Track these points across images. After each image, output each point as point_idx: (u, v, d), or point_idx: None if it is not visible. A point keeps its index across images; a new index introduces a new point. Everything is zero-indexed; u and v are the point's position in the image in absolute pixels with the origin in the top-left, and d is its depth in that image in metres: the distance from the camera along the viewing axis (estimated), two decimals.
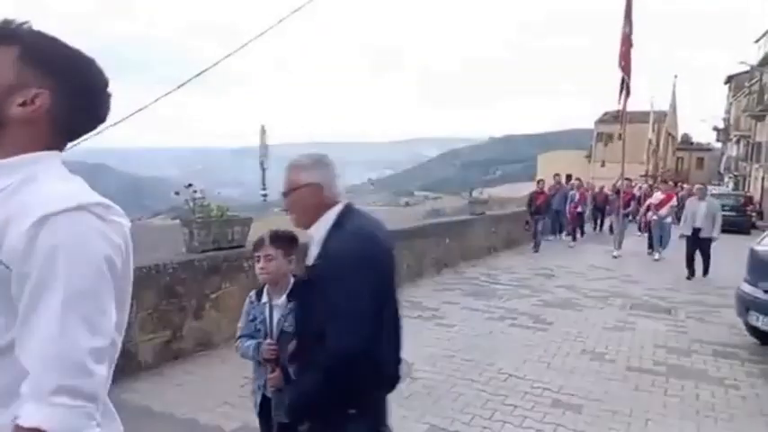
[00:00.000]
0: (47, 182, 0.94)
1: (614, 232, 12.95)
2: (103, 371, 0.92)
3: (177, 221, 5.21)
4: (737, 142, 39.68)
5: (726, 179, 40.85)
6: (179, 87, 8.48)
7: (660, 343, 5.72)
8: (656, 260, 11.48)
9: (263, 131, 8.79)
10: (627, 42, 10.91)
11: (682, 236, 9.62)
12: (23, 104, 0.96)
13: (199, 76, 8.27)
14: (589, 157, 53.20)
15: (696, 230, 9.32)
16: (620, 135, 13.80)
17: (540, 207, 12.73)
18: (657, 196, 12.34)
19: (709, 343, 5.73)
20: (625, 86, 11.29)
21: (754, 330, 5.59)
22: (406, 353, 5.19)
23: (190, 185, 4.83)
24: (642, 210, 13.50)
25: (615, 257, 11.80)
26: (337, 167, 1.85)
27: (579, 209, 14.99)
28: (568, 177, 17.68)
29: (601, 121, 54.27)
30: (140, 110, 8.40)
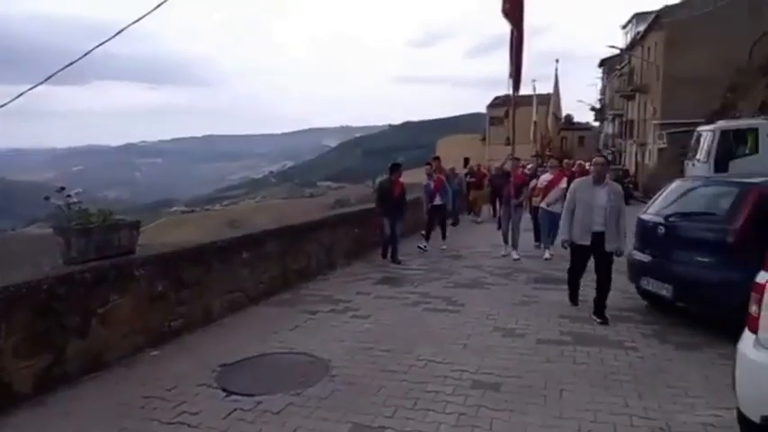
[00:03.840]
0: None
1: (502, 227, 10.15)
2: None
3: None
4: (613, 120, 43.33)
5: (604, 155, 44.52)
6: (46, 81, 7.56)
7: (563, 313, 5.99)
8: (547, 259, 9.24)
9: None
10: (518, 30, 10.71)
11: (566, 244, 5.95)
12: None
13: (68, 67, 7.43)
14: (484, 139, 55.68)
15: (596, 236, 5.60)
16: (506, 113, 13.21)
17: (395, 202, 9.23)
18: (545, 177, 10.09)
19: (606, 309, 6.08)
20: (514, 71, 10.35)
21: (645, 294, 6.02)
22: (321, 350, 5.00)
23: (62, 189, 4.25)
24: (526, 193, 10.21)
25: (504, 256, 9.55)
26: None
27: (437, 200, 10.77)
28: (466, 160, 18.20)
29: (492, 106, 56.98)
30: (3, 105, 7.38)
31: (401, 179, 9.60)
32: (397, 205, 9.23)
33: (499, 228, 10.38)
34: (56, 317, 3.98)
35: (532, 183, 10.49)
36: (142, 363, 4.54)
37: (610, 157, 37.85)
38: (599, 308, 5.69)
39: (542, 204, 9.85)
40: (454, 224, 14.13)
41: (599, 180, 5.76)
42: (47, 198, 4.22)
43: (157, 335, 4.89)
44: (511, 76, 10.02)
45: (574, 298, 6.30)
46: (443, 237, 11.09)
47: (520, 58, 9.89)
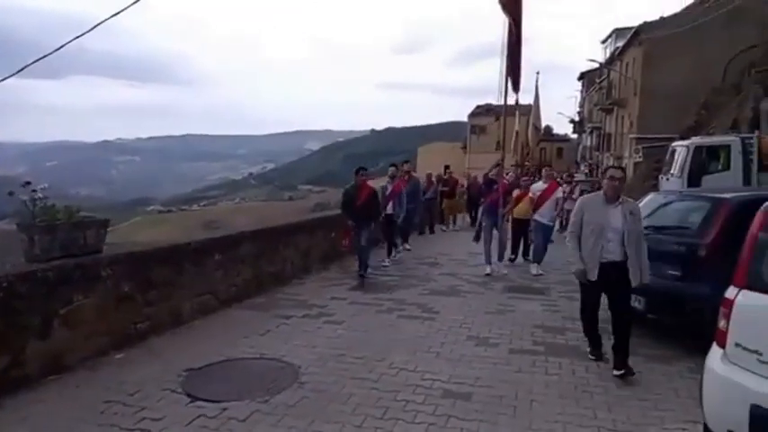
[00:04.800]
0: None
1: (484, 239, 8.91)
2: None
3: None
4: (591, 133, 44.00)
5: (582, 167, 45.14)
6: (17, 72, 7.34)
7: (537, 323, 6.00)
8: (537, 275, 8.63)
9: None
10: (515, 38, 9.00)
11: (581, 276, 4.60)
12: None
13: (42, 59, 7.22)
14: (464, 148, 56.06)
15: (608, 268, 4.45)
16: (499, 118, 10.37)
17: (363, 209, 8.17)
18: (538, 187, 9.41)
19: (579, 320, 6.04)
20: (512, 69, 9.17)
21: None
22: (292, 356, 4.91)
23: (28, 183, 4.10)
24: (511, 202, 9.37)
25: (488, 275, 8.58)
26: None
27: (390, 208, 9.57)
28: (446, 168, 17.83)
29: (474, 114, 57.46)
30: None
31: (370, 184, 8.60)
32: (362, 213, 8.16)
33: (476, 239, 9.18)
34: (15, 316, 3.84)
35: (515, 192, 9.75)
36: (106, 366, 4.40)
37: (587, 170, 38.51)
38: (620, 357, 4.41)
39: (535, 216, 9.09)
40: (421, 233, 13.84)
41: (613, 197, 4.52)
42: (10, 193, 4.07)
43: (123, 337, 4.75)
44: (508, 74, 9.03)
45: (596, 348, 4.86)
46: (389, 252, 9.75)
47: (518, 55, 8.99)
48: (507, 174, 14.53)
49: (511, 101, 9.72)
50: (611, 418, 3.67)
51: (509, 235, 9.62)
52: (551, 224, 9.32)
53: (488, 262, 8.80)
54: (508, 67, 9.00)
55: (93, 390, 3.94)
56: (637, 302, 5.45)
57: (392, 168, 10.15)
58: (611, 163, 35.12)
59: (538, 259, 9.05)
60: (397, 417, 3.63)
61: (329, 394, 3.97)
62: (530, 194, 9.46)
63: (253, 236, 7.10)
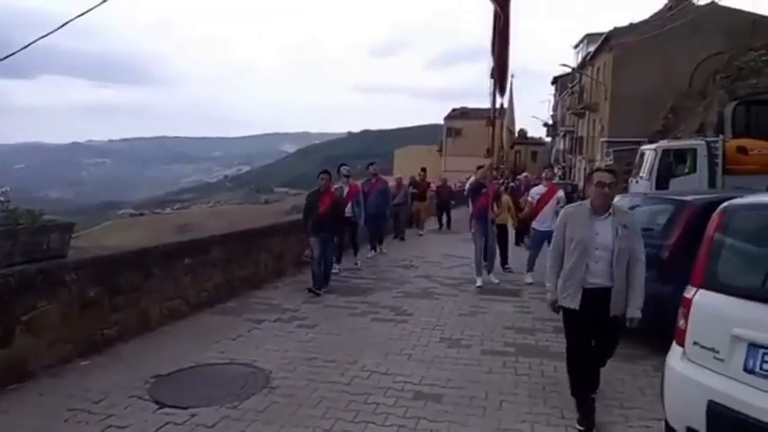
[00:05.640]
0: None
1: (475, 247, 8.31)
2: None
3: None
4: (564, 137, 44.72)
5: (555, 170, 45.89)
6: None
7: (508, 324, 6.07)
8: (530, 283, 8.16)
9: None
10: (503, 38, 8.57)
11: (554, 306, 3.87)
12: None
13: (7, 59, 7.03)
14: (440, 150, 56.43)
15: (592, 295, 3.62)
16: (489, 122, 9.65)
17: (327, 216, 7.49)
18: (537, 191, 8.75)
19: (549, 320, 6.17)
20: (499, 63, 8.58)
21: None
22: (263, 360, 4.87)
23: None
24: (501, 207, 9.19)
25: (480, 288, 7.98)
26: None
27: (348, 210, 9.01)
28: (423, 170, 17.53)
29: (449, 117, 57.92)
30: None
31: (333, 189, 7.97)
32: (325, 221, 7.36)
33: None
34: None
35: (504, 197, 9.54)
36: (71, 373, 4.30)
37: (560, 173, 39.10)
38: (583, 405, 3.64)
39: (534, 224, 8.54)
40: (398, 237, 13.38)
41: (602, 208, 3.62)
42: None
43: (89, 343, 4.65)
44: (492, 75, 8.53)
45: (587, 416, 3.58)
46: (355, 253, 9.53)
47: (507, 48, 8.47)
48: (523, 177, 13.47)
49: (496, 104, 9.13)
50: (577, 416, 3.73)
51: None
52: (551, 230, 8.48)
53: (479, 273, 8.22)
54: (494, 67, 8.51)
55: (57, 398, 3.85)
56: None
57: (345, 168, 9.70)
58: (583, 166, 35.79)
59: (529, 266, 8.49)
60: (367, 420, 3.64)
61: (299, 398, 3.95)
62: (529, 199, 8.90)
63: (223, 239, 7.03)
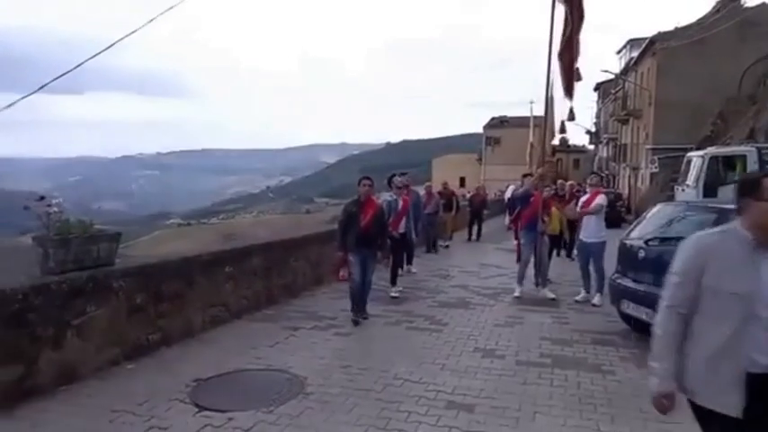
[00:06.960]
0: None
1: (523, 259, 8.11)
2: None
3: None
4: (607, 144, 43.69)
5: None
6: (39, 90, 7.61)
7: (545, 335, 5.99)
8: (596, 305, 7.37)
9: None
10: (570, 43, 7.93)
11: (668, 401, 2.29)
12: None
13: (62, 77, 7.48)
14: (479, 159, 56.05)
15: (762, 384, 2.09)
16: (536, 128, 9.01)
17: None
18: (585, 200, 8.08)
19: (588, 332, 6.09)
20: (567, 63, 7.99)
21: (626, 317, 6.03)
22: (298, 367, 4.98)
23: (42, 198, 4.26)
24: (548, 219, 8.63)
25: (518, 298, 7.79)
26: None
27: (402, 226, 8.46)
28: (462, 180, 17.51)
29: (489, 126, 57.50)
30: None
31: (375, 199, 6.90)
32: (368, 236, 6.41)
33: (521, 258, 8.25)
34: (29, 327, 3.97)
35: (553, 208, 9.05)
36: (117, 376, 4.51)
37: (604, 181, 38.09)
38: None
39: (581, 236, 7.95)
40: (430, 251, 12.79)
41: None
42: (26, 207, 4.23)
43: (134, 348, 4.86)
44: (565, 75, 7.95)
45: None
46: (393, 281, 8.08)
47: (576, 47, 7.79)
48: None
49: (565, 108, 8.57)
50: (613, 429, 3.67)
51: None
52: (601, 241, 7.61)
53: (520, 283, 8.02)
54: (561, 68, 7.95)
55: (103, 399, 4.04)
56: (644, 314, 5.43)
57: (398, 178, 8.55)
58: (627, 174, 34.76)
59: (598, 287, 7.58)
60: (399, 428, 3.67)
61: (333, 405, 4.02)
62: (578, 209, 8.23)
63: (263, 248, 7.22)
